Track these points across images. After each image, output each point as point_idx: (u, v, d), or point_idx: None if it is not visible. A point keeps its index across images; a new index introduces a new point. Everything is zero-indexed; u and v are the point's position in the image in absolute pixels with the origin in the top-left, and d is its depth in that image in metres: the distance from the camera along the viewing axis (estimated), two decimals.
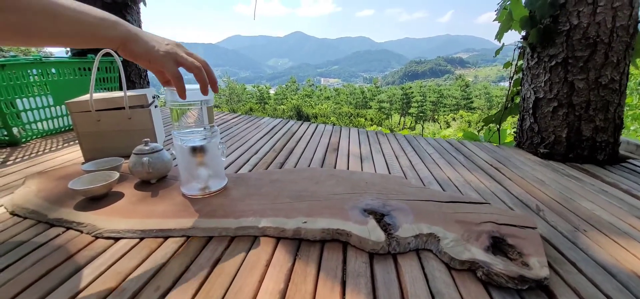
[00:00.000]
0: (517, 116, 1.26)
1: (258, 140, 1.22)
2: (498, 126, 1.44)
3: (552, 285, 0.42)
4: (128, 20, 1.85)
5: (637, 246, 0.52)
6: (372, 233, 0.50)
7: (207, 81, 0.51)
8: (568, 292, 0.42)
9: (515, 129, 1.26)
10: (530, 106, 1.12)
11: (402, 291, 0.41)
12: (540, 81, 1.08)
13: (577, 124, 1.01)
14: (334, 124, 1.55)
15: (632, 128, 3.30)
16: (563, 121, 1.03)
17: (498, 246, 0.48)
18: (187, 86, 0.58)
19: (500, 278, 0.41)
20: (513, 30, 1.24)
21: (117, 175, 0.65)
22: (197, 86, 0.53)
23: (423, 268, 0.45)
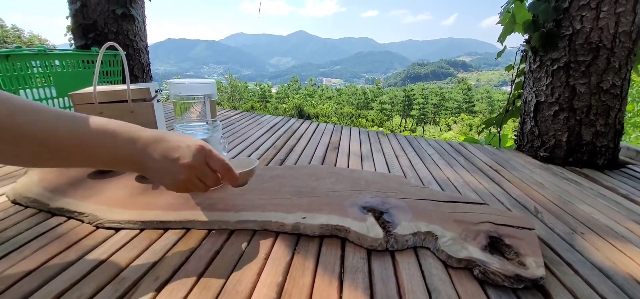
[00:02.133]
0: (518, 119, 1.26)
1: (259, 137, 1.23)
2: (499, 129, 1.44)
3: (548, 285, 0.43)
4: (132, 15, 1.86)
5: (633, 250, 0.53)
6: (371, 229, 0.50)
7: (231, 176, 0.48)
8: (564, 292, 0.42)
9: (515, 132, 1.27)
10: (532, 109, 1.12)
11: (399, 287, 0.41)
12: (542, 84, 1.09)
13: (577, 129, 1.02)
14: (335, 124, 1.55)
15: (632, 136, 3.30)
16: (564, 124, 1.03)
17: (495, 245, 0.48)
18: (191, 80, 0.58)
19: (497, 277, 0.42)
20: (516, 33, 1.25)
21: (257, 162, 0.59)
22: (201, 80, 0.54)
23: (420, 265, 0.46)
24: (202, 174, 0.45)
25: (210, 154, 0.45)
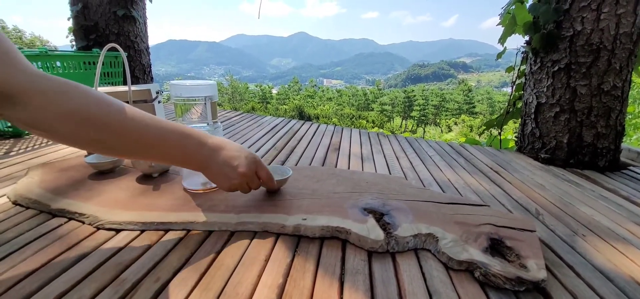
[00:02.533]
0: (519, 121, 1.26)
1: (260, 138, 1.23)
2: (499, 130, 1.44)
3: (550, 288, 0.42)
4: (133, 16, 1.86)
5: (635, 252, 0.52)
6: (372, 231, 0.50)
7: (272, 184, 0.57)
8: (565, 295, 0.42)
9: (516, 134, 1.27)
10: (532, 110, 1.12)
11: (400, 289, 0.41)
12: (542, 86, 1.08)
13: (578, 130, 1.02)
14: (335, 125, 1.55)
15: (634, 137, 3.29)
16: (565, 126, 1.03)
17: (496, 247, 0.48)
18: (192, 82, 0.58)
19: (498, 279, 0.42)
20: (517, 34, 1.25)
21: (291, 172, 0.66)
22: (202, 82, 0.54)
23: (421, 267, 0.46)
24: (251, 180, 0.53)
25: (260, 165, 0.54)
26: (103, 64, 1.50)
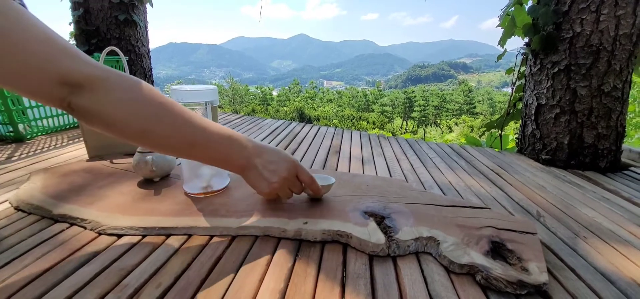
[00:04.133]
0: (519, 122, 1.26)
1: (260, 141, 1.23)
2: (500, 132, 1.44)
3: (551, 291, 0.42)
4: (134, 21, 1.87)
5: (637, 254, 0.52)
6: (373, 235, 0.50)
7: (315, 188, 0.58)
8: (567, 298, 0.42)
9: (517, 135, 1.27)
10: (533, 112, 1.12)
11: (401, 294, 0.41)
12: (542, 87, 1.09)
13: (579, 131, 1.02)
14: (336, 127, 1.56)
15: (635, 137, 3.29)
16: (565, 127, 1.03)
17: (498, 250, 0.48)
18: (193, 87, 0.59)
19: (499, 283, 0.42)
20: (516, 36, 1.25)
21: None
22: (203, 86, 0.54)
23: (422, 271, 0.46)
24: (292, 184, 0.54)
25: (301, 169, 0.54)
26: None
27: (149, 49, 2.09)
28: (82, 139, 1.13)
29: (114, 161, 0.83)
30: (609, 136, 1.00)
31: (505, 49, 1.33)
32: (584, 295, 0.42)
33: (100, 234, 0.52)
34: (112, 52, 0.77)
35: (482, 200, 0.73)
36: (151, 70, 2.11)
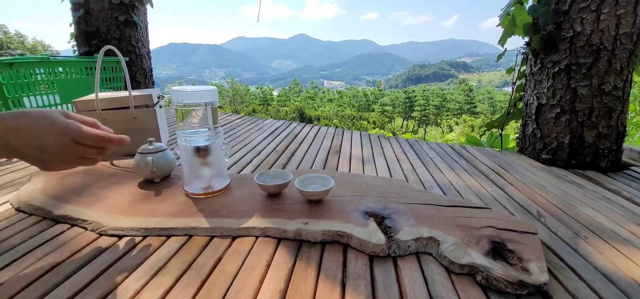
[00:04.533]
0: (520, 122, 1.26)
1: (261, 141, 1.23)
2: (500, 131, 1.44)
3: (552, 291, 0.42)
4: (134, 21, 1.87)
5: (637, 254, 0.52)
6: (373, 235, 0.50)
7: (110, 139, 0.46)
8: (567, 298, 0.42)
9: (518, 135, 1.26)
10: (533, 111, 1.12)
11: (402, 294, 0.41)
12: (543, 86, 1.08)
13: (579, 131, 1.01)
14: (336, 127, 1.56)
15: (636, 135, 3.28)
16: (566, 127, 1.03)
17: (498, 250, 0.48)
18: (193, 88, 0.59)
19: (500, 283, 0.42)
20: (517, 35, 1.25)
21: (291, 176, 0.65)
22: (203, 87, 0.54)
23: (423, 271, 0.46)
24: (78, 152, 0.43)
25: (78, 132, 0.42)
26: (105, 70, 1.51)
27: (149, 50, 2.09)
28: None
29: (115, 162, 0.84)
30: (610, 135, 1.00)
31: (506, 49, 1.33)
32: (585, 295, 0.42)
33: (101, 235, 0.52)
34: (109, 52, 0.78)
35: (482, 200, 0.73)
36: (151, 71, 2.12)
